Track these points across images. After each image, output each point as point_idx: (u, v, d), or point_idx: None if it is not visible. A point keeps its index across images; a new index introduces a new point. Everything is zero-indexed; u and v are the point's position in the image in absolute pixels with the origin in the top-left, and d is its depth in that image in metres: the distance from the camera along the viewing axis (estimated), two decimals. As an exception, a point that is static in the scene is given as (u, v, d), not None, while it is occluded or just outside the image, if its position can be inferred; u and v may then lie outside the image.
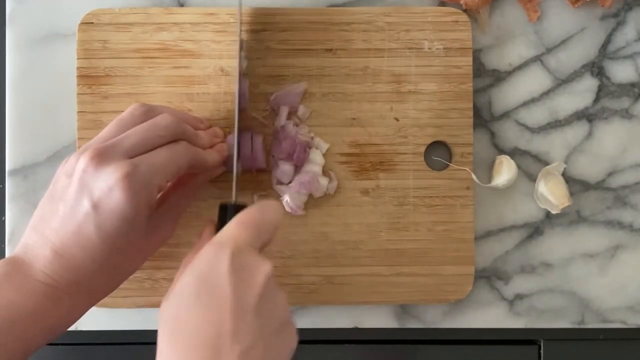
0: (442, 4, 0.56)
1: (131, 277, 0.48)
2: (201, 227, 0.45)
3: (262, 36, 0.54)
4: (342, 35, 0.54)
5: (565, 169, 0.56)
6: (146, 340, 0.55)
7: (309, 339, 0.41)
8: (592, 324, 0.57)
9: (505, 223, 0.57)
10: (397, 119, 0.55)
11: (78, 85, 0.54)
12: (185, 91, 0.54)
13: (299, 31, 0.54)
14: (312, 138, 0.54)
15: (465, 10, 0.56)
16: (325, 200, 0.54)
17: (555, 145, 0.57)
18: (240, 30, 0.53)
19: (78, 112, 0.54)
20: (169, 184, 0.49)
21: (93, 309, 0.47)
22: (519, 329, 0.57)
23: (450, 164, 0.55)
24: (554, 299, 0.57)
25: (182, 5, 0.56)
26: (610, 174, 0.57)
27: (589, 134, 0.57)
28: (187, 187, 0.49)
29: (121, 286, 0.47)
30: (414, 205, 0.55)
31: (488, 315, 0.57)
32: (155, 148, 0.45)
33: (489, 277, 0.57)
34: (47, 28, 0.56)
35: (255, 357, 0.37)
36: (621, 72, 0.57)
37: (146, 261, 0.48)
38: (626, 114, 0.57)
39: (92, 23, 0.54)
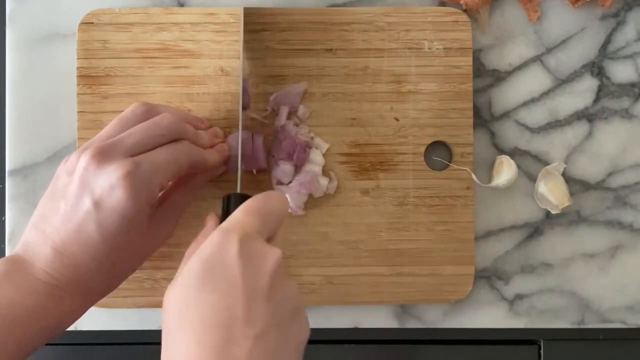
0: (442, 4, 0.56)
1: (131, 277, 0.48)
2: (201, 227, 0.44)
3: (262, 36, 0.54)
4: (342, 35, 0.54)
5: (565, 169, 0.56)
6: (146, 340, 0.55)
7: (309, 338, 0.41)
8: (592, 324, 0.57)
9: (505, 223, 0.57)
10: (397, 119, 0.55)
11: (78, 85, 0.54)
12: (185, 91, 0.54)
13: (299, 31, 0.54)
14: (312, 138, 0.54)
15: (465, 10, 0.56)
16: (325, 200, 0.54)
17: (555, 145, 0.57)
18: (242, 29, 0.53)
19: (78, 112, 0.54)
20: (169, 183, 0.49)
21: (93, 308, 0.47)
22: (519, 329, 0.57)
23: (450, 164, 0.55)
24: (554, 299, 0.57)
25: (182, 5, 0.56)
26: (610, 174, 0.57)
27: (589, 134, 0.57)
28: (188, 186, 0.49)
29: (121, 286, 0.47)
30: (414, 205, 0.55)
31: (488, 315, 0.57)
32: (156, 147, 0.45)
33: (489, 277, 0.57)
34: (47, 28, 0.56)
35: (269, 342, 0.36)
36: (621, 72, 0.57)
37: (146, 261, 0.48)
38: (626, 114, 0.57)
39: (92, 23, 0.54)
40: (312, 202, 0.54)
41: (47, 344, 0.44)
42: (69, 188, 0.43)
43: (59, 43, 0.56)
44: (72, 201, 0.42)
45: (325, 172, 0.54)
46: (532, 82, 0.57)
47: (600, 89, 0.57)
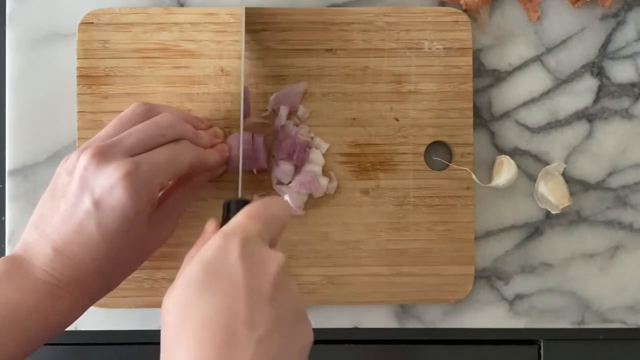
0: (442, 4, 0.56)
1: (131, 277, 0.48)
2: (201, 227, 0.44)
3: (262, 36, 0.54)
4: (342, 35, 0.54)
5: (565, 169, 0.56)
6: (146, 340, 0.55)
7: (309, 338, 0.41)
8: (592, 324, 0.57)
9: (505, 223, 0.57)
10: (397, 119, 0.55)
11: (78, 85, 0.54)
12: (185, 91, 0.54)
13: (299, 31, 0.54)
14: (312, 138, 0.54)
15: (465, 10, 0.56)
16: (325, 200, 0.54)
17: (555, 145, 0.57)
18: (244, 30, 0.53)
19: (78, 112, 0.54)
20: (169, 183, 0.49)
21: (93, 308, 0.47)
22: (519, 329, 0.57)
23: (450, 164, 0.55)
24: (554, 299, 0.57)
25: (182, 5, 0.56)
26: (610, 174, 0.57)
27: (589, 134, 0.57)
28: (188, 186, 0.49)
29: (121, 286, 0.47)
30: (414, 205, 0.55)
31: (488, 315, 0.57)
32: (156, 147, 0.45)
33: (489, 277, 0.57)
34: (47, 28, 0.56)
35: (273, 346, 0.36)
36: (621, 72, 0.57)
37: (146, 261, 0.48)
38: (626, 114, 0.57)
39: (92, 23, 0.54)
40: (312, 202, 0.54)
41: (47, 344, 0.44)
42: (69, 187, 0.43)
43: (59, 43, 0.56)
44: (72, 201, 0.42)
45: (325, 172, 0.54)
46: (532, 82, 0.57)
47: (600, 89, 0.57)
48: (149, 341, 0.55)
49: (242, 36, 0.53)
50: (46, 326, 0.43)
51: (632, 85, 0.57)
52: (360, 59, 0.54)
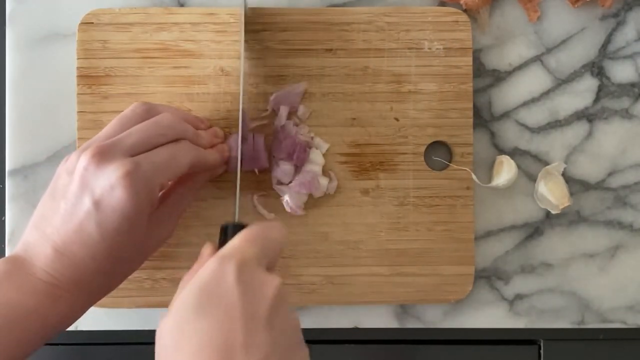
0: (442, 4, 0.56)
1: (131, 277, 0.48)
2: (201, 227, 0.44)
3: (262, 36, 0.54)
4: (342, 35, 0.54)
5: (565, 169, 0.56)
6: (146, 341, 0.55)
7: (309, 339, 0.41)
8: (592, 324, 0.57)
9: (505, 223, 0.57)
10: (397, 119, 0.55)
11: (78, 85, 0.54)
12: (185, 91, 0.54)
13: (299, 31, 0.54)
14: (312, 138, 0.54)
15: (465, 10, 0.56)
16: (325, 200, 0.54)
17: (555, 145, 0.57)
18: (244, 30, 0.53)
19: (78, 112, 0.54)
20: (169, 183, 0.49)
21: (93, 308, 0.47)
22: (519, 329, 0.57)
23: (450, 164, 0.55)
24: (554, 299, 0.57)
25: (182, 5, 0.56)
26: (610, 174, 0.57)
27: (589, 134, 0.57)
28: (188, 186, 0.49)
29: (121, 286, 0.47)
30: (414, 205, 0.55)
31: (488, 315, 0.57)
32: (156, 147, 0.45)
33: (489, 277, 0.57)
34: (47, 28, 0.56)
35: None
36: (621, 72, 0.57)
37: (146, 261, 0.48)
38: (626, 114, 0.57)
39: (92, 23, 0.54)
40: (312, 202, 0.54)
41: (47, 344, 0.44)
42: (69, 188, 0.43)
43: (59, 43, 0.56)
44: (72, 201, 0.42)
45: (325, 172, 0.54)
46: (532, 82, 0.57)
47: (600, 89, 0.57)
48: (149, 341, 0.55)
49: (242, 36, 0.53)
50: (46, 326, 0.43)
51: (632, 85, 0.57)
52: (360, 59, 0.54)
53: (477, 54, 0.56)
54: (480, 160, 0.56)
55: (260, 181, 0.54)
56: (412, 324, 0.56)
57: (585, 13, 0.57)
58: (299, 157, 0.53)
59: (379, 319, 0.56)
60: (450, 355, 0.57)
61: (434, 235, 0.55)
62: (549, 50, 0.57)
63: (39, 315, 0.42)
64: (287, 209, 0.53)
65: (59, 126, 0.56)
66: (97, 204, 0.42)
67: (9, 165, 0.56)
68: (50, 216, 0.43)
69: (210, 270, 0.37)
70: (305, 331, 0.40)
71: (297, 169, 0.54)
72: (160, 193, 0.47)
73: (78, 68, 0.54)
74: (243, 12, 0.52)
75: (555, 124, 0.57)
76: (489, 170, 0.57)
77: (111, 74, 0.54)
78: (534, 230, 0.57)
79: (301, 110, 0.54)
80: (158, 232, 0.47)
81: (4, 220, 0.56)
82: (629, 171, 0.57)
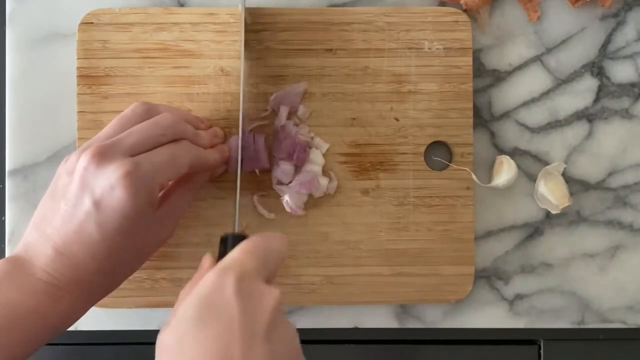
0: (442, 4, 0.56)
1: (131, 277, 0.48)
2: (201, 227, 0.44)
3: (262, 36, 0.54)
4: (342, 35, 0.54)
5: (565, 169, 0.57)
6: (146, 340, 0.55)
7: (309, 339, 0.41)
8: (592, 324, 0.57)
9: (505, 223, 0.57)
10: (397, 119, 0.55)
11: (78, 85, 0.54)
12: (185, 91, 0.54)
13: (299, 31, 0.54)
14: (312, 138, 0.54)
15: (465, 10, 0.56)
16: (325, 200, 0.54)
17: (555, 145, 0.57)
18: (244, 30, 0.53)
19: (78, 112, 0.54)
20: (169, 183, 0.49)
21: (93, 308, 0.47)
22: (519, 329, 0.57)
23: (450, 164, 0.55)
24: (554, 299, 0.57)
25: (182, 5, 0.56)
26: (610, 174, 0.57)
27: (589, 134, 0.57)
28: (188, 186, 0.49)
29: (121, 286, 0.47)
30: (414, 205, 0.55)
31: (488, 315, 0.57)
32: (156, 147, 0.45)
33: (489, 277, 0.57)
34: (47, 28, 0.56)
35: None
36: (621, 72, 0.57)
37: (146, 261, 0.48)
38: (626, 114, 0.57)
39: (92, 23, 0.54)
40: (312, 202, 0.54)
41: (47, 344, 0.44)
42: (69, 188, 0.43)
43: (59, 43, 0.56)
44: (73, 201, 0.42)
45: (325, 172, 0.54)
46: (532, 82, 0.57)
47: (600, 89, 0.57)
48: (149, 341, 0.55)
49: (242, 36, 0.53)
50: (47, 326, 0.43)
51: (632, 85, 0.57)
52: (360, 59, 0.54)
53: (477, 54, 0.56)
54: (480, 160, 0.56)
55: (260, 181, 0.54)
56: (412, 324, 0.56)
57: (585, 13, 0.57)
58: (299, 157, 0.53)
59: (379, 319, 0.56)
60: (450, 355, 0.57)
61: (434, 235, 0.55)
62: (549, 50, 0.57)
63: (39, 316, 0.42)
64: (287, 209, 0.53)
65: (59, 126, 0.56)
66: (97, 204, 0.42)
67: (9, 165, 0.56)
68: (50, 216, 0.43)
69: (210, 282, 0.37)
70: (306, 331, 0.40)
71: (297, 169, 0.54)
72: (161, 193, 0.47)
73: (78, 68, 0.54)
74: (243, 12, 0.52)
75: (555, 124, 0.57)
76: (489, 170, 0.57)
77: (111, 74, 0.54)
78: (534, 230, 0.57)
79: (301, 110, 0.54)
80: (158, 232, 0.47)
81: (4, 220, 0.56)
82: (629, 171, 0.57)
